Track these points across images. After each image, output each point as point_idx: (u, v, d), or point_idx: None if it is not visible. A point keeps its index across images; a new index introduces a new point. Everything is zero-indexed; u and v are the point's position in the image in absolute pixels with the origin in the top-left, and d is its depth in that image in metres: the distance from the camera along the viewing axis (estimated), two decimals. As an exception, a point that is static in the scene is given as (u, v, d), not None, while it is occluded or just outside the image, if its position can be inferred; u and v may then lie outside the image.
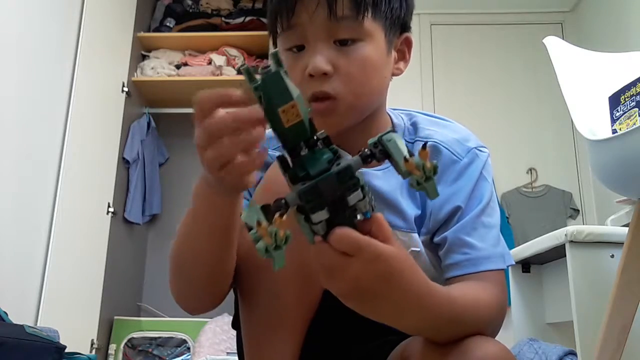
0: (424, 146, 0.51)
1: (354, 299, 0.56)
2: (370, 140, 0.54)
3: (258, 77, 0.52)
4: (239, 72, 3.30)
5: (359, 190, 0.52)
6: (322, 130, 0.54)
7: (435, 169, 0.51)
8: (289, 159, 0.54)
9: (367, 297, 0.55)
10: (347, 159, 0.53)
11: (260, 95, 0.51)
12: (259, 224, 0.49)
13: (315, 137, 0.54)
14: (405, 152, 0.52)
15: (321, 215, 0.52)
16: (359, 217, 0.54)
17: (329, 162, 0.53)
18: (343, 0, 0.73)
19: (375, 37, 0.76)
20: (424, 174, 0.51)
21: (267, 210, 0.51)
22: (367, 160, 0.53)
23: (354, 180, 0.52)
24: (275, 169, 0.77)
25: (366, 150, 0.54)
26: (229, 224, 0.67)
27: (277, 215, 0.50)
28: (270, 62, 0.52)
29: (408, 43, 0.84)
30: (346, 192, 0.52)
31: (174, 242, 0.71)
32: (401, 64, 0.84)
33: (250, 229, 0.50)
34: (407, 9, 0.81)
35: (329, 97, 0.74)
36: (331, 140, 0.54)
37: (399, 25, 0.80)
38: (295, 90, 0.51)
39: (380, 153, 0.53)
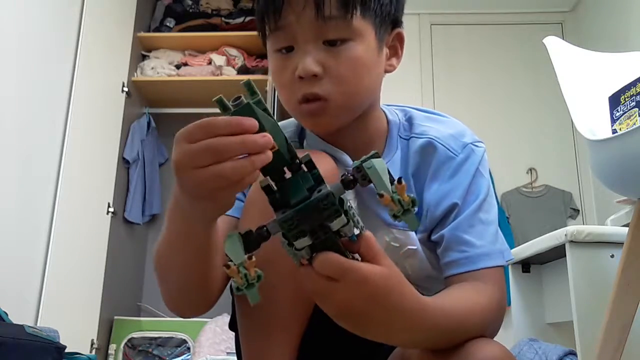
0: (400, 180, 0.50)
1: (344, 321, 0.56)
2: (354, 164, 0.53)
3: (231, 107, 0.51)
4: (239, 72, 3.30)
5: (342, 215, 0.52)
6: (306, 153, 0.54)
7: (413, 202, 0.51)
8: (272, 184, 0.54)
9: (357, 319, 0.55)
10: (328, 186, 0.52)
11: None
12: (227, 266, 0.50)
13: (298, 161, 0.53)
14: (386, 181, 0.51)
15: (304, 242, 0.52)
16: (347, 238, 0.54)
17: (309, 190, 0.52)
18: None
19: (365, 35, 0.75)
20: (401, 208, 0.50)
21: (249, 239, 0.52)
22: (349, 186, 0.53)
23: (335, 207, 0.51)
24: None
25: (349, 174, 0.53)
26: (206, 245, 0.66)
27: (245, 257, 0.50)
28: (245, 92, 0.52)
29: (400, 39, 0.83)
30: (328, 219, 0.51)
31: (154, 254, 0.70)
32: (393, 60, 0.83)
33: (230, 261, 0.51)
34: (397, 5, 0.80)
35: (320, 98, 0.73)
36: (314, 164, 0.53)
37: (389, 22, 0.79)
38: (268, 121, 0.51)
39: (363, 178, 0.53)
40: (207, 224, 0.63)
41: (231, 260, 0.50)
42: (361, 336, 0.58)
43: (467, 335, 0.65)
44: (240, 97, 0.51)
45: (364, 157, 0.53)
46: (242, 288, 0.50)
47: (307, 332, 0.74)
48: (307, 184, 0.52)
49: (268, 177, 0.53)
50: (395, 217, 0.51)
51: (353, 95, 0.76)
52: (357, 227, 0.54)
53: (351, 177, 0.53)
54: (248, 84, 0.52)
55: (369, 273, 0.53)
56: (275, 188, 0.54)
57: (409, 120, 0.86)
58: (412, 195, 0.50)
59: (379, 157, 0.53)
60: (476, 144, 0.83)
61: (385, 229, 0.80)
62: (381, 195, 0.51)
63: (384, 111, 0.87)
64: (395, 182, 0.50)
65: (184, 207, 0.60)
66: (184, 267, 0.68)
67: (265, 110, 0.52)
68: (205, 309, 0.75)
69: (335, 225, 0.52)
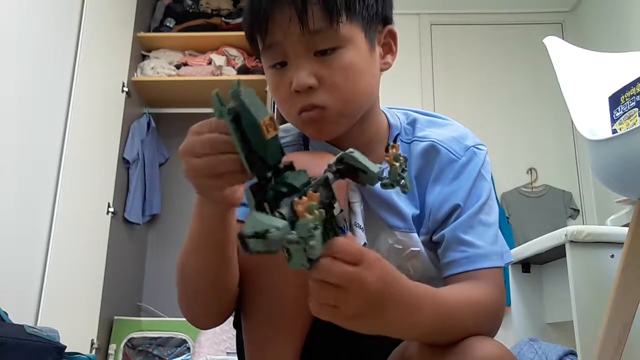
0: (394, 141, 0.54)
1: (364, 314, 0.55)
2: (331, 161, 0.57)
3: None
4: (239, 72, 3.30)
5: (337, 203, 0.54)
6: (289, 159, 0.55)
7: (406, 160, 0.57)
8: (263, 185, 0.53)
9: (376, 308, 0.56)
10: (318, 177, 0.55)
11: (234, 117, 0.52)
12: (304, 194, 0.49)
13: (283, 165, 0.55)
14: (369, 162, 0.57)
15: None
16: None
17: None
18: (314, 12, 0.72)
19: (354, 40, 0.75)
20: (401, 166, 0.55)
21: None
22: (336, 176, 0.56)
23: (332, 191, 0.54)
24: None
25: (330, 167, 0.57)
26: (223, 239, 0.68)
27: (310, 190, 0.51)
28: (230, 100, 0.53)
29: (392, 35, 0.83)
30: (333, 198, 0.54)
31: (179, 254, 0.73)
32: (388, 58, 0.83)
33: (265, 231, 0.47)
34: (384, 3, 0.80)
35: (317, 107, 0.74)
36: (294, 166, 0.55)
37: (379, 21, 0.79)
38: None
39: (345, 167, 0.57)
40: (216, 218, 0.66)
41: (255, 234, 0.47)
42: (373, 333, 0.58)
43: (467, 329, 0.66)
44: (235, 88, 0.53)
45: (339, 154, 0.58)
46: (316, 226, 0.46)
47: (311, 331, 0.75)
48: (301, 175, 0.54)
49: (256, 179, 0.54)
50: (398, 175, 0.56)
51: (350, 101, 0.76)
52: (345, 221, 0.56)
53: (334, 169, 0.57)
54: (235, 93, 0.53)
55: (377, 255, 0.56)
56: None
57: (412, 123, 0.86)
58: (404, 155, 0.55)
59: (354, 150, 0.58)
60: (478, 147, 0.83)
61: (388, 232, 0.80)
62: (387, 150, 0.55)
63: (385, 114, 0.87)
64: (391, 143, 0.55)
65: (197, 204, 0.66)
66: (201, 264, 0.71)
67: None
68: (221, 318, 0.77)
69: (337, 209, 0.54)
